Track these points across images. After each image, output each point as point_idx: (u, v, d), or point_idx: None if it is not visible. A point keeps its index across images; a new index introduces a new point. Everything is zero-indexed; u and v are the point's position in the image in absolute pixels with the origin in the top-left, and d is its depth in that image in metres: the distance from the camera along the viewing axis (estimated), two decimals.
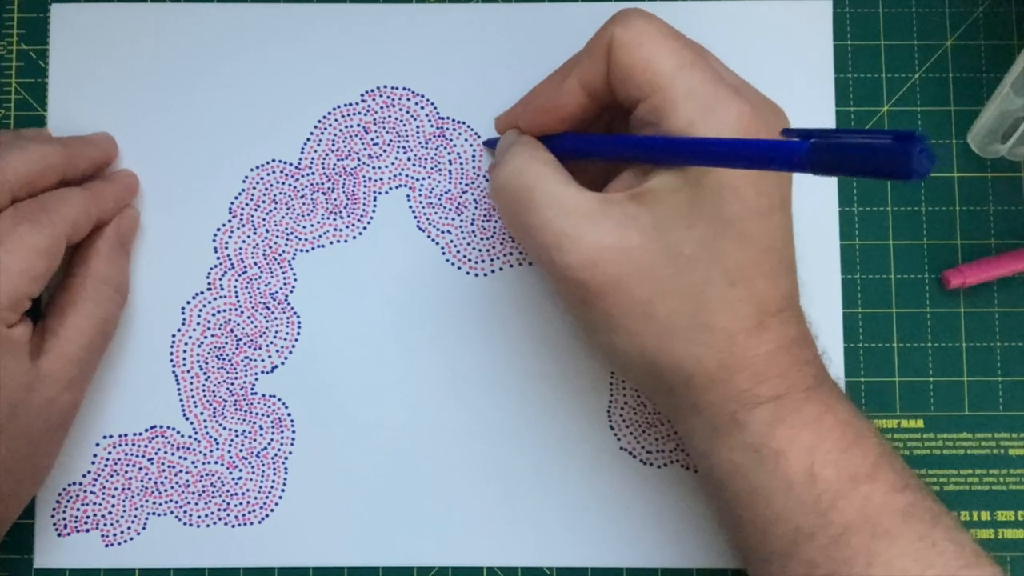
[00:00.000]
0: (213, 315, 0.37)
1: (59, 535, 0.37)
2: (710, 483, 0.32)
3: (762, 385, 0.29)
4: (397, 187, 0.38)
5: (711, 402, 0.30)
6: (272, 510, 0.37)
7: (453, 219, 0.38)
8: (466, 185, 0.38)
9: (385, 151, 0.38)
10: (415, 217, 0.38)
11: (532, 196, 0.31)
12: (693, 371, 0.30)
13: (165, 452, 0.37)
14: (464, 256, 0.38)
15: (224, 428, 0.37)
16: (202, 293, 0.37)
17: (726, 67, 0.31)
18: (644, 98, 0.30)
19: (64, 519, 0.37)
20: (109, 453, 0.37)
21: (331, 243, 0.38)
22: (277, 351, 0.37)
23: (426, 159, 0.38)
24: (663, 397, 0.32)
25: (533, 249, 0.31)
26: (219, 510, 0.37)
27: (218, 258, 0.37)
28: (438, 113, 0.38)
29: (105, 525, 0.37)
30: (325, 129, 0.38)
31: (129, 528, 0.37)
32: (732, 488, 0.30)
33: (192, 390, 0.37)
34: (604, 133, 0.35)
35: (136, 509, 0.37)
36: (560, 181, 0.31)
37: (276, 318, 0.37)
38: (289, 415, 0.37)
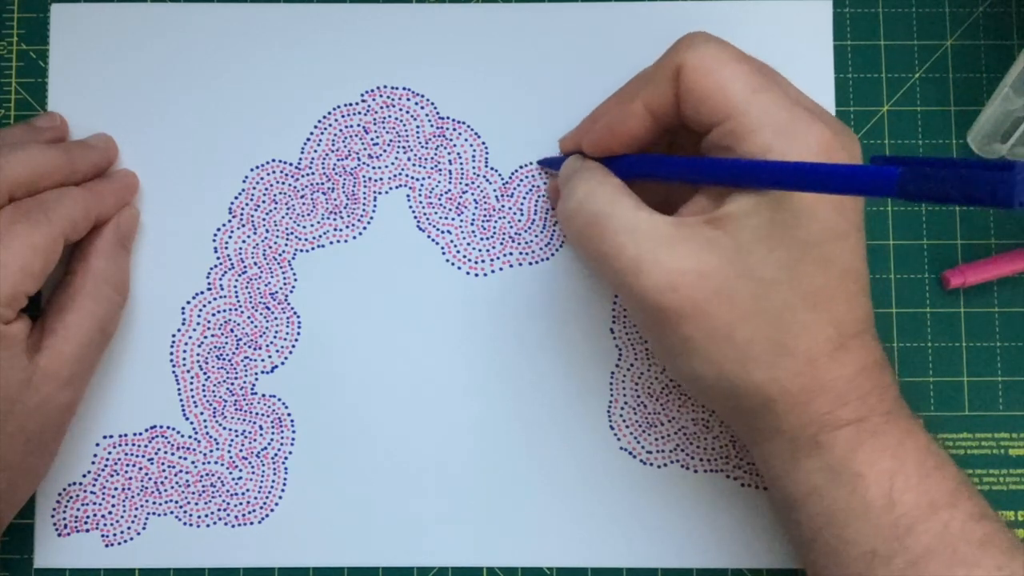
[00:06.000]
0: (213, 315, 0.37)
1: (59, 535, 0.37)
2: (784, 505, 0.31)
3: (844, 408, 0.29)
4: (397, 187, 0.38)
5: (792, 425, 0.30)
6: (272, 510, 0.37)
7: (453, 219, 0.38)
8: (466, 185, 0.38)
9: (385, 151, 0.38)
10: (415, 217, 0.38)
11: (606, 222, 0.30)
12: (775, 395, 0.29)
13: (165, 452, 0.37)
14: (464, 256, 0.38)
15: (224, 428, 0.37)
16: (202, 293, 0.37)
17: (798, 89, 0.31)
18: (718, 123, 0.30)
19: (64, 519, 0.37)
20: (109, 453, 0.37)
21: (331, 243, 0.38)
22: (277, 351, 0.37)
23: (426, 159, 0.38)
24: (741, 420, 0.31)
25: (609, 275, 0.31)
26: (219, 510, 0.37)
27: (218, 258, 0.37)
28: (438, 113, 0.38)
29: (105, 525, 0.37)
30: (325, 129, 0.38)
31: (129, 528, 0.37)
32: (808, 510, 0.30)
33: (192, 390, 0.37)
34: (665, 154, 0.35)
35: (136, 509, 0.37)
36: (633, 206, 0.30)
37: (276, 318, 0.37)
38: (289, 415, 0.37)
